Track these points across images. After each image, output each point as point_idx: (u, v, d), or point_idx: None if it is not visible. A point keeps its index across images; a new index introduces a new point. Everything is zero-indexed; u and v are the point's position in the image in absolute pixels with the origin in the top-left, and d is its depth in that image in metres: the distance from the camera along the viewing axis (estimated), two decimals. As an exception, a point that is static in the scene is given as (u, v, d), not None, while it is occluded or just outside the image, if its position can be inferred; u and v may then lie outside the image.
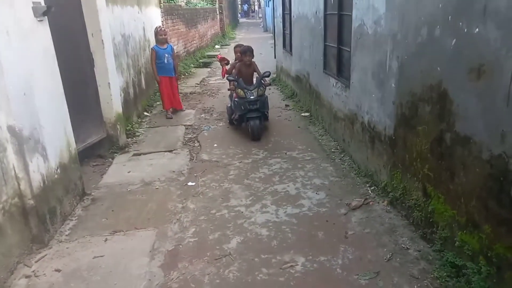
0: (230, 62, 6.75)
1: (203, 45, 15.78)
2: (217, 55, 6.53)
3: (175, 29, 11.12)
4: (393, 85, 3.34)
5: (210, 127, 6.40)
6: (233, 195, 3.99)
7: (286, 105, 7.56)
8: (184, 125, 6.47)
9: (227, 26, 23.48)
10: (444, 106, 2.59)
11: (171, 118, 6.84)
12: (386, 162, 3.65)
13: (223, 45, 18.56)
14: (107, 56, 4.84)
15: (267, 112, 5.84)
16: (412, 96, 3.01)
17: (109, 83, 4.92)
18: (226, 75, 6.23)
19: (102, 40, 4.74)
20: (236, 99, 5.68)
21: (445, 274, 2.61)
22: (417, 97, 2.95)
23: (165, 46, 6.74)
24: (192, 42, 13.88)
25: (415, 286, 2.58)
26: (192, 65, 12.38)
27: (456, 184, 2.54)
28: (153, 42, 8.26)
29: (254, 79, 6.09)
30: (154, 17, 8.67)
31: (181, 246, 3.16)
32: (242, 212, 3.66)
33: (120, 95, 5.51)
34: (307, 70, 6.79)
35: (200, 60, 13.54)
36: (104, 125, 5.07)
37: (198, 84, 10.08)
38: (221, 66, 6.80)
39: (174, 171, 4.63)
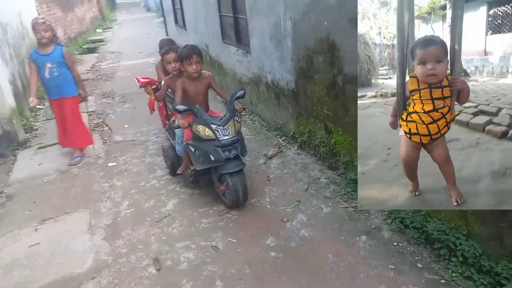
0: (162, 83, 3.68)
1: (83, 30, 14.62)
2: (136, 78, 3.80)
3: (51, 14, 10.18)
4: (289, 43, 3.81)
5: (115, 110, 6.26)
6: (158, 167, 4.13)
7: (189, 80, 7.67)
8: (87, 112, 6.18)
9: (105, 8, 21.88)
10: (333, 54, 3.13)
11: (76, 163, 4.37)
12: (291, 113, 4.17)
13: (105, 29, 17.39)
14: (-11, 44, 4.40)
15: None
16: (307, 50, 3.52)
17: (-4, 74, 4.50)
18: (173, 105, 3.26)
19: (-20, 27, 4.29)
20: (192, 143, 3.22)
21: (350, 189, 3.25)
22: (311, 51, 3.46)
23: (48, 51, 4.00)
24: (72, 27, 12.82)
25: (329, 203, 3.18)
26: (76, 51, 11.53)
27: (350, 116, 3.13)
28: (31, 30, 7.53)
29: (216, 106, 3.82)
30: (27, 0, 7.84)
31: (119, 218, 3.26)
32: (171, 179, 3.85)
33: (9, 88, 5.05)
34: (205, 42, 7.00)
35: (84, 46, 12.65)
36: (-2, 120, 4.65)
37: (89, 70, 9.50)
38: (147, 94, 3.81)
39: (89, 156, 4.54)
